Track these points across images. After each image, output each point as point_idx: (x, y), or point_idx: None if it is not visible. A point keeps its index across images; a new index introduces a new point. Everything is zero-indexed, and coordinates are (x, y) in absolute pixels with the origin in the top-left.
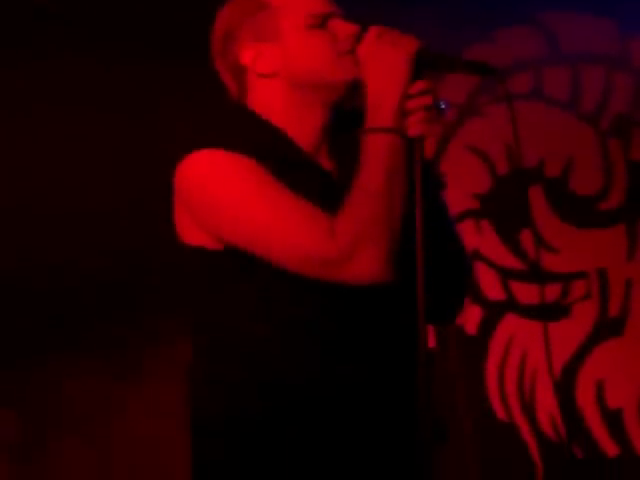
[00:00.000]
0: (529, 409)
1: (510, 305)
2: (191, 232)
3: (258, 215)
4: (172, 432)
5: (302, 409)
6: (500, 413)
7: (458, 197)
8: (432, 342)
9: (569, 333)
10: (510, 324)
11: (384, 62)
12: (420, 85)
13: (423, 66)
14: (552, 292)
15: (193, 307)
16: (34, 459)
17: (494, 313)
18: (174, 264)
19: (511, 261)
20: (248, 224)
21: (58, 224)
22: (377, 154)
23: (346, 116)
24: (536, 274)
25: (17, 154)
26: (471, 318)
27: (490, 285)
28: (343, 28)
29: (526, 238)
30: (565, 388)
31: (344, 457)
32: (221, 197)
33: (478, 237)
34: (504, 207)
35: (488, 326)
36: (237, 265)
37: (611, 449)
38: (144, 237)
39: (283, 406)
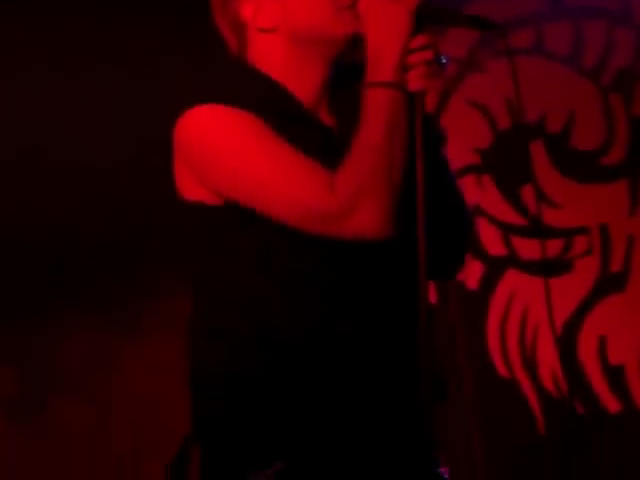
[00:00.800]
0: (530, 365)
1: (511, 260)
2: (191, 187)
3: (257, 169)
4: (172, 387)
5: (302, 363)
6: (501, 369)
7: (459, 152)
8: (433, 297)
9: (571, 289)
10: (511, 280)
11: (384, 16)
12: (421, 39)
13: (424, 20)
14: (553, 247)
15: (193, 262)
16: (33, 416)
17: (495, 269)
18: (174, 219)
19: (512, 216)
20: (247, 178)
21: (58, 179)
22: (377, 109)
23: (347, 71)
24: (537, 229)
25: (17, 108)
26: (472, 274)
27: (491, 240)
28: None
29: (527, 193)
30: (566, 344)
31: (344, 411)
32: (221, 151)
33: (479, 192)
34: (505, 162)
35: (489, 282)
36: (237, 220)
37: (612, 405)
38: (144, 192)
39: (283, 359)
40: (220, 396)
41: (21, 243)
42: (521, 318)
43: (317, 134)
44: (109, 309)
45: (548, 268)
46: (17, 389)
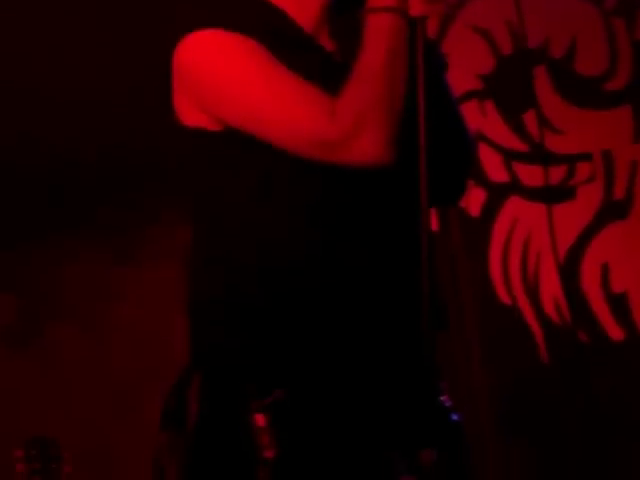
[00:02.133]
0: (533, 293)
1: (514, 187)
2: (190, 113)
3: (257, 95)
4: (172, 315)
5: (303, 291)
6: (503, 296)
7: (461, 78)
8: (434, 225)
9: (573, 216)
10: (513, 206)
11: None
12: None
13: None
14: (556, 174)
15: (193, 190)
16: (32, 343)
17: (497, 195)
18: (175, 147)
19: (515, 142)
20: (247, 104)
21: (58, 107)
22: (379, 34)
23: None
24: (540, 156)
25: (17, 36)
26: (474, 200)
27: (493, 167)
28: None
29: (530, 119)
30: (569, 271)
31: (345, 339)
32: (220, 76)
33: (481, 118)
34: (508, 88)
35: (491, 209)
36: (237, 146)
37: (616, 333)
38: (144, 119)
39: (283, 288)
40: (220, 325)
41: (21, 171)
42: (523, 245)
43: (318, 60)
44: (109, 237)
45: (551, 195)
46: (16, 316)
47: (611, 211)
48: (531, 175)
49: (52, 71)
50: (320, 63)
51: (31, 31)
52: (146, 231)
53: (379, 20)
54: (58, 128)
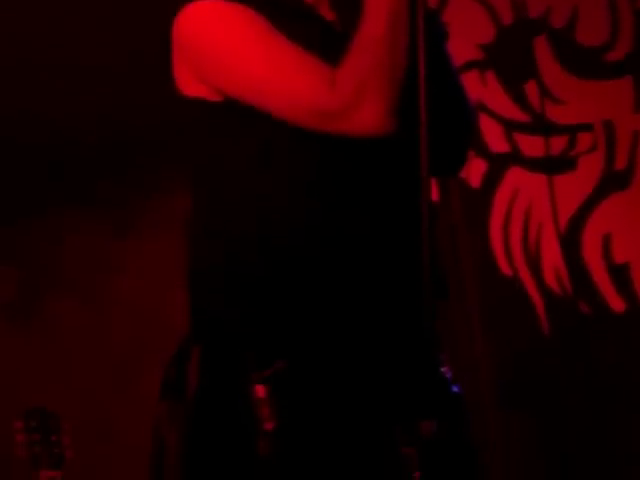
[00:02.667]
0: (534, 263)
1: (514, 158)
2: (190, 83)
3: (257, 65)
4: (172, 287)
5: (303, 261)
6: (504, 267)
7: (462, 47)
8: (435, 195)
9: (574, 186)
10: (514, 177)
11: None
12: None
13: None
14: (557, 144)
15: (193, 160)
16: (33, 316)
17: (498, 166)
18: (175, 118)
19: (515, 113)
20: (247, 75)
21: (58, 77)
22: (379, 3)
23: None
24: (541, 126)
25: (16, 11)
26: (475, 171)
27: (494, 137)
28: None
29: (531, 89)
30: (571, 242)
31: (345, 309)
32: (220, 47)
33: (482, 88)
34: (509, 58)
35: (492, 179)
36: (236, 116)
37: (617, 304)
38: (144, 89)
39: (283, 257)
40: (220, 294)
41: (21, 142)
42: (524, 216)
43: (318, 29)
44: (109, 208)
45: (551, 165)
46: (17, 289)
47: (612, 181)
48: (532, 145)
49: (51, 46)
50: (320, 33)
51: (30, 6)
52: (146, 202)
53: None
54: (57, 101)
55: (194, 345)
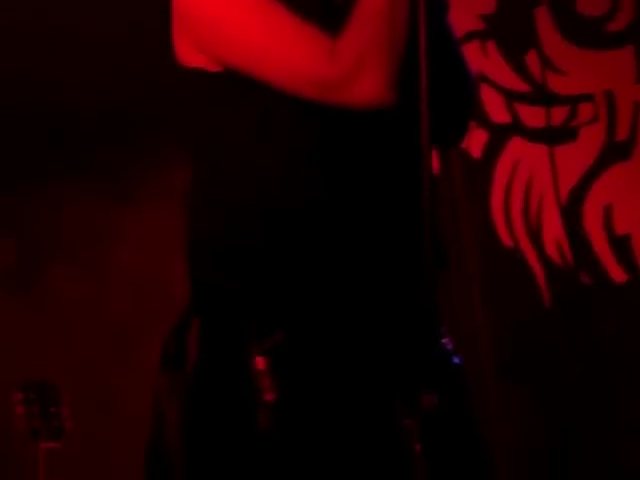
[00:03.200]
0: (535, 234)
1: (515, 128)
2: (190, 54)
3: (256, 36)
4: (172, 257)
5: (303, 232)
6: (505, 238)
7: (463, 18)
8: (436, 166)
9: (576, 157)
10: (515, 148)
11: None
12: None
13: None
14: (558, 115)
15: (193, 130)
16: (33, 285)
17: (499, 137)
18: (174, 89)
19: (516, 83)
20: (246, 45)
21: (58, 47)
22: None
23: None
24: (542, 96)
25: None
26: (476, 142)
27: (495, 108)
28: None
29: (532, 60)
30: (572, 213)
31: (345, 281)
32: (219, 17)
33: (483, 59)
34: (510, 28)
35: (493, 150)
36: (236, 87)
37: (618, 275)
38: (144, 60)
39: (283, 229)
40: (219, 267)
41: (21, 113)
42: (525, 187)
43: (317, 0)
44: (109, 178)
45: (552, 136)
46: (16, 259)
47: (614, 152)
48: (533, 116)
49: (51, 13)
50: (320, 4)
51: None
52: (146, 172)
53: None
54: (58, 70)
55: (194, 316)
